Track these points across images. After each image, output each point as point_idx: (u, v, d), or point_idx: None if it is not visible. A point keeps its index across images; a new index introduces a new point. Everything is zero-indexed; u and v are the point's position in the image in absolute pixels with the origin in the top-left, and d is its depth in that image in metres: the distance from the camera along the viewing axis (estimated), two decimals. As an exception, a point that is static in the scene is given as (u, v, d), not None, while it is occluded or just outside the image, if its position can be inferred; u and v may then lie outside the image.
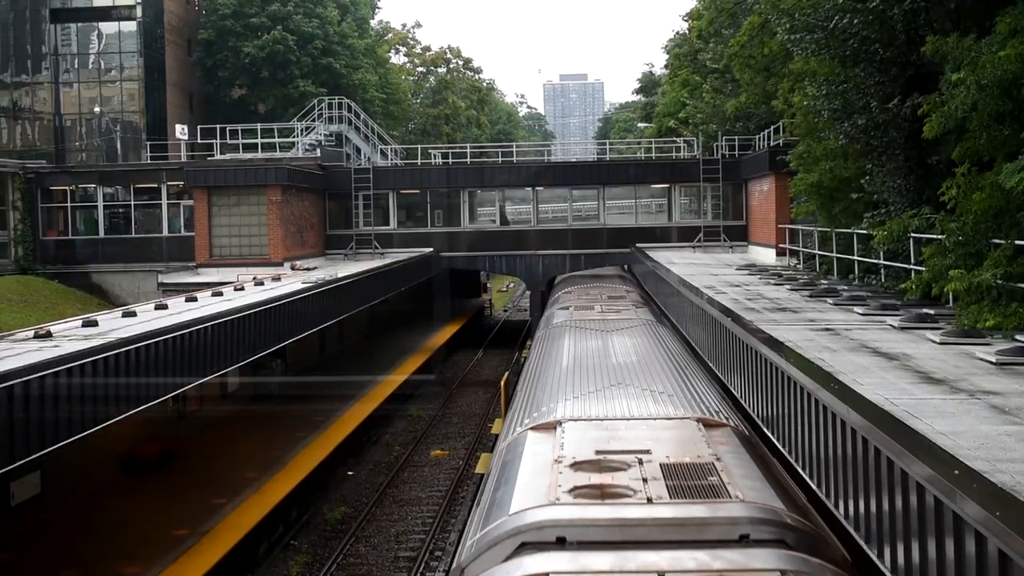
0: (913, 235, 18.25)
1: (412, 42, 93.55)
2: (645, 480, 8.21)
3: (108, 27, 59.92)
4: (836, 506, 9.11)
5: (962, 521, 6.21)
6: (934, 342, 12.80)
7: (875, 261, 21.37)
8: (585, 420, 10.97)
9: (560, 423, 10.83)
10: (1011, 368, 10.86)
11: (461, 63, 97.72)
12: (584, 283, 35.95)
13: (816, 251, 26.70)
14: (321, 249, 42.15)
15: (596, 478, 8.36)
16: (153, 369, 16.87)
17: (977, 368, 10.93)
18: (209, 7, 63.67)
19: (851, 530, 8.56)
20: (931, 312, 15.31)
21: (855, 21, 19.09)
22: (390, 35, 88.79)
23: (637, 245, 40.13)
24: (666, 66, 70.01)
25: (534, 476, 8.85)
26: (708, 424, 10.70)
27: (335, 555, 21.13)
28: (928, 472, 6.83)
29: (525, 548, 7.06)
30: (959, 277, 14.28)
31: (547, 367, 16.45)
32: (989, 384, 9.98)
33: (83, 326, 18.52)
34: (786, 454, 11.08)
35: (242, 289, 26.77)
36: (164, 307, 21.93)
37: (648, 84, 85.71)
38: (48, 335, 17.07)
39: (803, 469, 10.34)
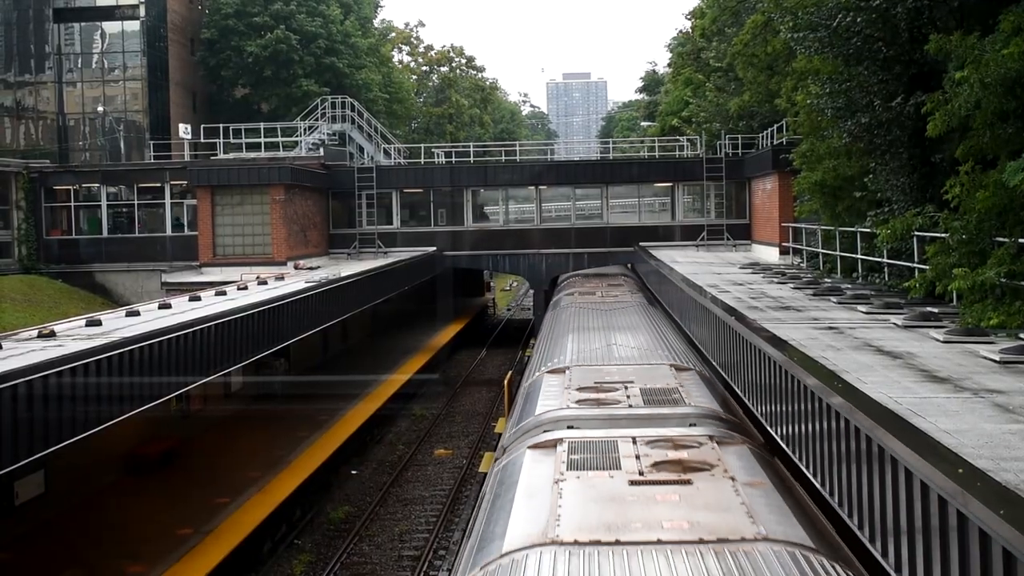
0: (916, 233, 18.23)
1: (415, 41, 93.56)
2: (628, 396, 12.39)
3: (111, 26, 59.95)
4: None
5: (967, 521, 6.21)
6: (938, 341, 12.79)
7: (878, 260, 21.36)
8: (586, 365, 15.30)
9: (568, 367, 15.13)
10: (1015, 367, 10.85)
11: (464, 62, 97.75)
12: (587, 281, 35.97)
13: (819, 250, 26.67)
14: (324, 248, 42.16)
15: (594, 395, 12.55)
16: (156, 368, 16.88)
17: (981, 367, 10.92)
18: (212, 6, 63.70)
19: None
20: (935, 311, 15.29)
21: (858, 19, 19.06)
22: (393, 34, 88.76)
23: (640, 244, 40.12)
24: (669, 65, 70.02)
25: (550, 396, 12.93)
26: (678, 368, 15.02)
27: (338, 554, 21.14)
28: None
29: (545, 431, 10.80)
30: (963, 275, 14.27)
31: (557, 333, 21.05)
32: (993, 383, 9.96)
33: (87, 325, 18.53)
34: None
35: (245, 288, 26.79)
36: (168, 306, 21.95)
37: (651, 83, 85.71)
38: (52, 335, 17.09)
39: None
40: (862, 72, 20.21)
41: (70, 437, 14.31)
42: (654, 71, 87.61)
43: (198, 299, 23.91)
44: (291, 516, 22.42)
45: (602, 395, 12.45)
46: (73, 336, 17.06)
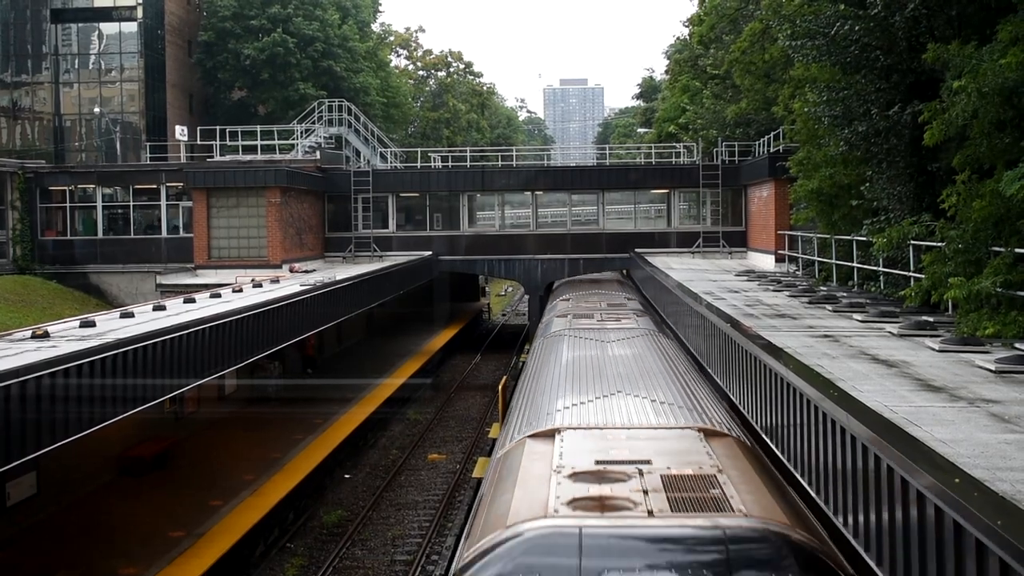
0: (913, 242, 18.24)
1: (414, 45, 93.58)
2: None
3: (109, 27, 59.92)
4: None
5: (964, 531, 6.18)
6: (933, 350, 12.78)
7: (874, 268, 21.36)
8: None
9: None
10: (1010, 376, 10.84)
11: (462, 67, 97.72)
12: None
13: (815, 257, 26.68)
14: (320, 251, 42.11)
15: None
16: (150, 370, 16.83)
17: (976, 376, 10.91)
18: (209, 9, 63.69)
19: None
20: (930, 319, 15.28)
21: (856, 28, 19.08)
22: (391, 38, 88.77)
23: (636, 250, 40.11)
24: (667, 71, 70.10)
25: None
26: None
27: (331, 558, 21.07)
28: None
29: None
30: (959, 284, 14.26)
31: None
32: (988, 392, 9.95)
33: (81, 326, 18.48)
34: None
35: (240, 291, 26.73)
36: (162, 308, 21.90)
37: (648, 89, 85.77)
38: (46, 335, 17.03)
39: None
40: (860, 80, 20.23)
41: (63, 438, 14.25)
42: (651, 78, 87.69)
43: (193, 301, 23.86)
44: (284, 520, 22.37)
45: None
46: (67, 337, 17.01)
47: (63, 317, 25.34)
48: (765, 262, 35.17)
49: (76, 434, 14.61)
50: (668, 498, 7.85)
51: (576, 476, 8.67)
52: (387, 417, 33.38)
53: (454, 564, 8.31)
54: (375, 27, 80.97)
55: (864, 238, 21.30)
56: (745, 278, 27.55)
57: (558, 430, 10.80)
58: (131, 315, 20.57)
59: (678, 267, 32.39)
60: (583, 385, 14.07)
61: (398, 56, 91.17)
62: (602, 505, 7.81)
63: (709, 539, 7.11)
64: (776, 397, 11.68)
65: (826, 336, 14.35)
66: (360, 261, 41.20)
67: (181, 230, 40.04)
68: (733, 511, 7.54)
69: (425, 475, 27.87)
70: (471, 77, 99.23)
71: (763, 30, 30.05)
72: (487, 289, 70.24)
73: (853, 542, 8.46)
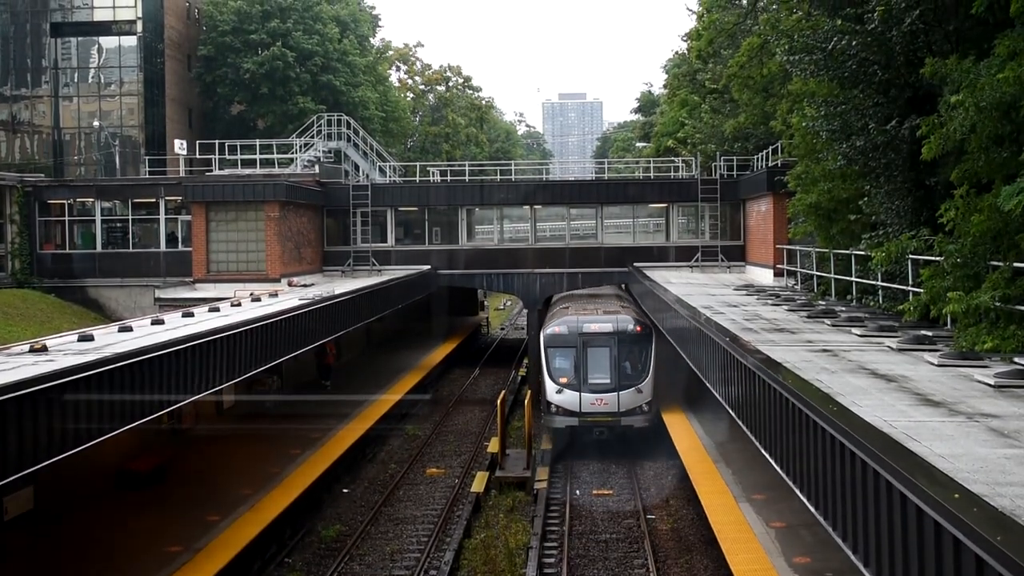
0: (911, 256, 18.26)
1: (413, 59, 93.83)
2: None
3: (108, 42, 60.11)
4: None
5: (962, 547, 6.17)
6: (932, 364, 12.78)
7: (873, 282, 21.37)
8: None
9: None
10: (1009, 391, 10.84)
11: (461, 81, 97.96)
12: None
13: (814, 272, 26.69)
14: (319, 266, 42.11)
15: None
16: (148, 385, 16.78)
17: (975, 391, 10.91)
18: (209, 23, 63.88)
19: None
20: (929, 334, 15.29)
21: (854, 43, 19.14)
22: (390, 53, 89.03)
23: (635, 264, 40.12)
24: (665, 86, 70.27)
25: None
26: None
27: (329, 573, 21.01)
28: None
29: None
30: (957, 299, 14.27)
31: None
32: (988, 407, 9.94)
33: (79, 341, 18.44)
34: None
35: (239, 305, 26.71)
36: (160, 322, 21.87)
37: (647, 104, 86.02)
38: (43, 349, 16.99)
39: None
40: (857, 95, 20.29)
41: (60, 453, 14.18)
42: (650, 92, 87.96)
43: (191, 315, 23.82)
44: (282, 534, 22.30)
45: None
46: (65, 351, 16.97)
47: (61, 331, 25.32)
48: (764, 276, 35.18)
49: (74, 448, 14.54)
50: (606, 315, 32.29)
51: (578, 313, 32.62)
52: (385, 432, 33.33)
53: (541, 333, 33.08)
54: (374, 42, 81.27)
55: (863, 252, 21.32)
56: (744, 292, 27.56)
57: (570, 307, 34.42)
58: (129, 329, 20.54)
59: (677, 281, 32.42)
60: (581, 304, 35.58)
61: (397, 71, 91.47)
62: (585, 314, 32.51)
63: (613, 320, 31.45)
64: (775, 412, 11.67)
65: (825, 351, 14.35)
66: (359, 275, 41.17)
67: (180, 244, 40.04)
68: (623, 315, 32.04)
69: (424, 490, 27.80)
70: (470, 91, 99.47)
71: (761, 45, 30.10)
72: (486, 303, 70.16)
73: (852, 557, 8.44)
